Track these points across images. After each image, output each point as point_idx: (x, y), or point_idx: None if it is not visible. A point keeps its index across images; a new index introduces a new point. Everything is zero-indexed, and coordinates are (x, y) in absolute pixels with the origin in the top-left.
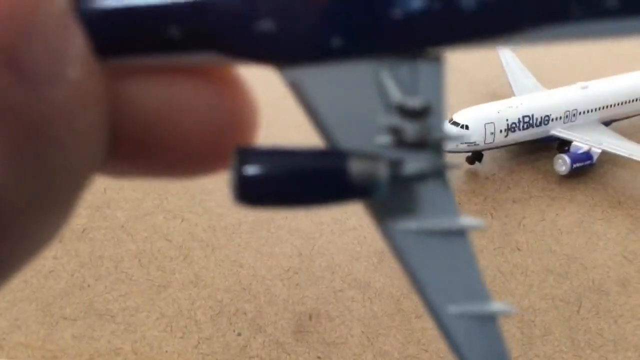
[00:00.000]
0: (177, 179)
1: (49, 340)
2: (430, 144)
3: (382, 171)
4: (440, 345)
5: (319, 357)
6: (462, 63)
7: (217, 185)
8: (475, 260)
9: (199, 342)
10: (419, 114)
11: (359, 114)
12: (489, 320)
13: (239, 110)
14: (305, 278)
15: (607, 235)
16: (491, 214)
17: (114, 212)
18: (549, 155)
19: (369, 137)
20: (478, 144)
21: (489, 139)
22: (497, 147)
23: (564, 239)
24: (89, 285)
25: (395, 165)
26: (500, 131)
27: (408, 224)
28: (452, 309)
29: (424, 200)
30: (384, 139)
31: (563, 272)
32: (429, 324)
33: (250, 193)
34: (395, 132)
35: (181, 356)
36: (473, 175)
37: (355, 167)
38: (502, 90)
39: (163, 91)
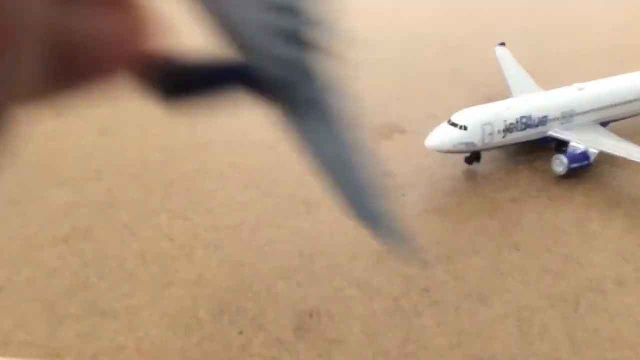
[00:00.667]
0: (88, 87)
1: (53, 338)
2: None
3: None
4: (439, 344)
5: (319, 355)
6: (460, 65)
7: (219, 185)
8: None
9: (200, 341)
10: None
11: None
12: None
13: (137, 25)
14: (305, 277)
15: (604, 235)
16: (489, 214)
17: (118, 212)
18: (546, 156)
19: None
20: (476, 145)
21: (487, 140)
22: (495, 148)
23: (562, 238)
24: (92, 285)
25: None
26: (499, 132)
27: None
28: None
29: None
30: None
31: (561, 271)
32: (428, 322)
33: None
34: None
35: (183, 354)
36: (471, 176)
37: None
38: (500, 92)
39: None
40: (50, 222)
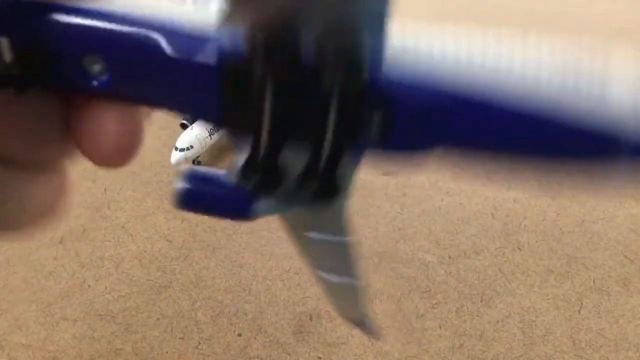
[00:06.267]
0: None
1: (49, 340)
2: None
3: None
4: (441, 346)
5: (319, 357)
6: None
7: None
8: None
9: (199, 343)
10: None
11: None
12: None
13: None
14: (305, 278)
15: (608, 235)
16: (492, 214)
17: (115, 212)
18: None
19: None
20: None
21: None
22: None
23: (565, 238)
24: (89, 286)
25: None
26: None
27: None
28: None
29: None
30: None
31: (564, 272)
32: (429, 324)
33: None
34: None
35: (182, 357)
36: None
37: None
38: None
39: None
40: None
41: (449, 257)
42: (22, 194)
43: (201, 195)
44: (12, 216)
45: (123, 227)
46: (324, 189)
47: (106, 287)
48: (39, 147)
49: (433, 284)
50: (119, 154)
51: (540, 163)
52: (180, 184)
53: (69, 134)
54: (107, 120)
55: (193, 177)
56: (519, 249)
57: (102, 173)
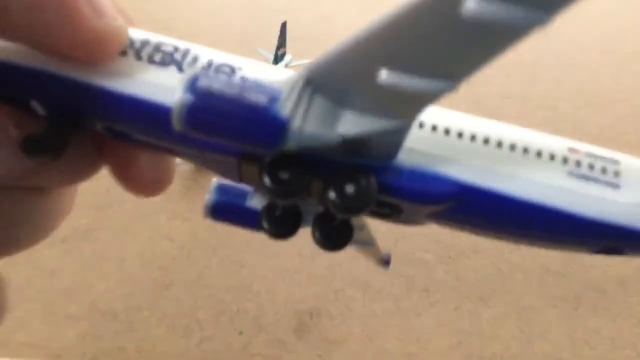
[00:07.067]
0: None
1: (52, 339)
2: None
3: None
4: (439, 344)
5: (319, 356)
6: None
7: None
8: None
9: (201, 341)
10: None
11: None
12: None
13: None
14: (306, 277)
15: None
16: None
17: (117, 212)
18: None
19: None
20: None
21: None
22: None
23: None
24: (92, 285)
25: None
26: None
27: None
28: None
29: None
30: None
31: (562, 271)
32: (428, 322)
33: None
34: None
35: (183, 355)
36: None
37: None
38: None
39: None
40: None
41: (448, 256)
42: (38, 213)
43: (229, 208)
44: (25, 234)
45: (125, 227)
46: (331, 240)
47: (109, 286)
48: (73, 179)
49: (432, 282)
50: (155, 187)
51: (532, 240)
52: (211, 196)
53: (97, 164)
54: (145, 158)
55: (222, 191)
56: (517, 248)
57: (105, 172)
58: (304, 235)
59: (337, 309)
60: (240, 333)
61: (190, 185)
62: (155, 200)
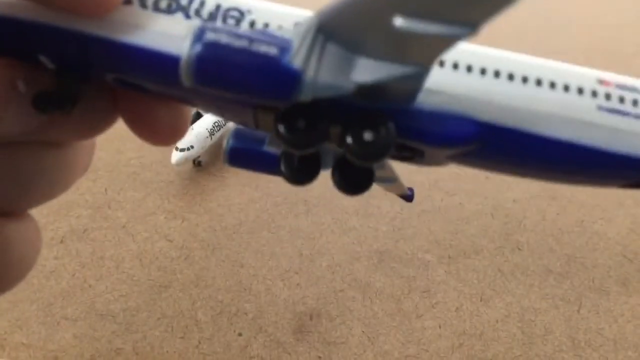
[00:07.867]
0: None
1: (50, 340)
2: None
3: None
4: (440, 345)
5: (319, 357)
6: None
7: (218, 185)
8: None
9: (199, 342)
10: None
11: None
12: None
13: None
14: (305, 278)
15: (607, 235)
16: (492, 214)
17: (115, 212)
18: None
19: None
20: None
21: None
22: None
23: (565, 238)
24: (90, 286)
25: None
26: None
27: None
28: None
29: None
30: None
31: (563, 271)
32: (429, 323)
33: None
34: None
35: (182, 356)
36: (473, 175)
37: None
38: None
39: None
40: (46, 223)
41: (449, 257)
42: (56, 168)
43: (247, 153)
44: (44, 184)
45: (124, 227)
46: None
47: (107, 287)
48: (89, 131)
49: (433, 283)
50: (170, 136)
51: (555, 176)
52: (229, 142)
53: (112, 116)
54: (159, 107)
55: (240, 137)
56: (519, 248)
57: (103, 173)
58: (304, 235)
59: (337, 310)
60: (240, 334)
61: (189, 185)
62: (154, 200)
